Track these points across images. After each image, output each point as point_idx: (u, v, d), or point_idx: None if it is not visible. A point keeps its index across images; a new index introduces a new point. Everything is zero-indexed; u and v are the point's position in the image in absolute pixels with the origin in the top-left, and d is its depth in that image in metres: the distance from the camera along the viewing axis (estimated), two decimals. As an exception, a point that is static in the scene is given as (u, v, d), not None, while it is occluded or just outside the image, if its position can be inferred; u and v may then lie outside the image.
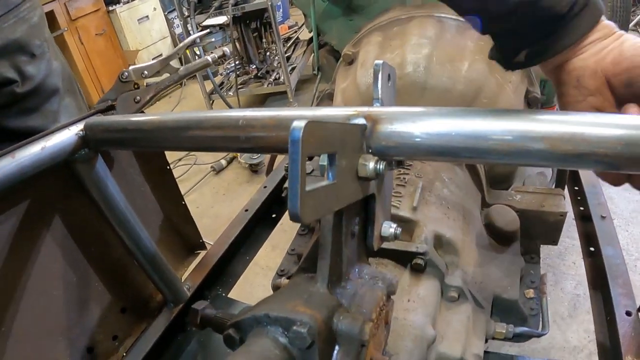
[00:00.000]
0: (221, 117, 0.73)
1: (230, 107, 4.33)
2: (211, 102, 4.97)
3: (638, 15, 5.90)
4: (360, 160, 0.55)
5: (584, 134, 0.51)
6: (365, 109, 0.62)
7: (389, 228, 0.68)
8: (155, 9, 6.40)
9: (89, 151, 0.92)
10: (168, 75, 1.13)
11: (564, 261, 2.63)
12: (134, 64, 5.12)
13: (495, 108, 0.62)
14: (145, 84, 1.10)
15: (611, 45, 0.65)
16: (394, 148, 0.58)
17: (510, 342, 1.15)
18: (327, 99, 1.74)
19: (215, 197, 3.92)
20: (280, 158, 1.99)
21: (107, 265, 1.09)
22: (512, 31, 0.69)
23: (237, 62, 4.94)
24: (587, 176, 1.63)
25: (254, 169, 4.06)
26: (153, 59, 1.10)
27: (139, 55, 6.04)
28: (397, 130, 0.58)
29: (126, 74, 1.06)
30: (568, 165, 0.53)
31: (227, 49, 1.22)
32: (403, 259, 1.01)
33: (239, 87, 4.77)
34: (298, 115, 0.67)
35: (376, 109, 0.61)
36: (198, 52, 4.63)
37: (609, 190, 3.13)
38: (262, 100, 5.50)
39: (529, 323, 1.18)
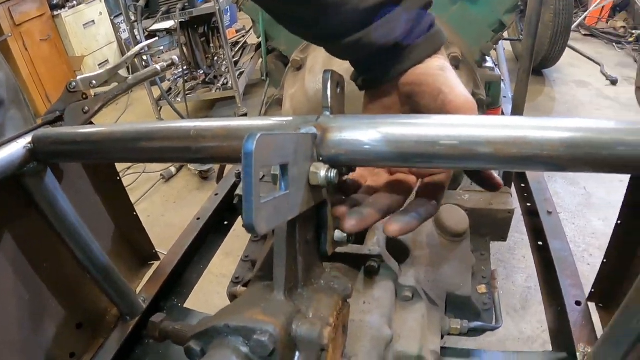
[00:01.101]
0: (172, 128, 0.73)
1: (178, 113, 4.27)
2: (159, 108, 4.89)
3: (580, 17, 6.14)
4: (311, 169, 0.56)
5: (528, 138, 0.53)
6: (315, 117, 0.63)
7: (342, 233, 0.69)
8: (101, 13, 6.27)
9: (38, 164, 0.90)
10: (116, 84, 1.12)
11: (514, 255, 2.72)
12: (80, 70, 4.97)
13: (442, 114, 0.63)
14: (93, 94, 1.08)
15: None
16: (344, 156, 0.59)
17: (466, 337, 1.19)
18: (275, 104, 1.75)
19: (166, 206, 3.87)
20: (230, 165, 1.99)
21: (60, 281, 1.07)
22: (359, 60, 0.74)
23: (184, 68, 4.89)
24: (532, 174, 1.69)
25: (204, 175, 4.03)
26: (99, 65, 1.09)
27: (85, 61, 5.90)
28: (346, 138, 0.59)
29: (74, 84, 1.05)
30: (514, 167, 0.56)
31: (176, 57, 1.21)
32: (357, 262, 1.02)
33: (187, 93, 4.72)
34: (248, 126, 0.67)
35: (326, 118, 0.63)
36: (145, 58, 4.55)
37: (554, 186, 3.26)
38: (210, 106, 5.47)
39: (482, 318, 1.22)
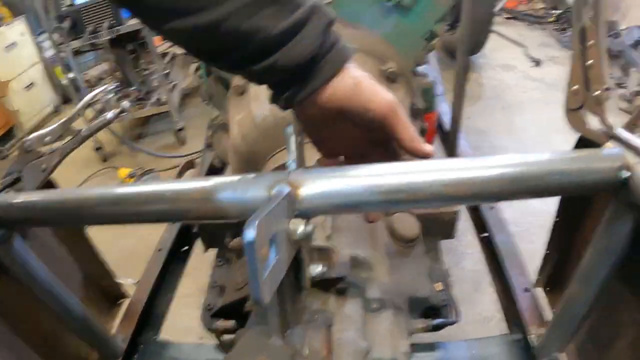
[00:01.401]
0: (146, 192, 0.75)
1: (118, 136, 4.15)
2: (96, 130, 4.76)
3: (501, 0, 6.31)
4: (290, 227, 0.61)
5: (476, 178, 0.61)
6: (285, 174, 0.67)
7: (316, 268, 0.75)
8: (23, 34, 5.98)
9: (6, 231, 0.89)
10: (70, 137, 1.12)
11: (461, 242, 2.80)
12: (6, 95, 4.72)
13: (399, 162, 0.70)
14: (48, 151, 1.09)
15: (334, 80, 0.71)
16: (316, 208, 0.64)
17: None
18: (221, 129, 1.76)
19: (115, 230, 3.76)
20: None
21: (41, 339, 1.08)
22: (275, 83, 0.74)
23: (116, 86, 4.78)
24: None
25: (150, 195, 3.97)
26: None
27: (10, 85, 5.64)
28: (317, 192, 0.64)
29: (28, 143, 1.06)
30: (466, 203, 0.64)
31: (126, 103, 1.24)
32: (327, 285, 1.09)
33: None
34: (221, 184, 0.69)
35: (295, 174, 0.67)
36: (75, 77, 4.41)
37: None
38: (144, 122, 5.34)
39: (442, 313, 1.31)
